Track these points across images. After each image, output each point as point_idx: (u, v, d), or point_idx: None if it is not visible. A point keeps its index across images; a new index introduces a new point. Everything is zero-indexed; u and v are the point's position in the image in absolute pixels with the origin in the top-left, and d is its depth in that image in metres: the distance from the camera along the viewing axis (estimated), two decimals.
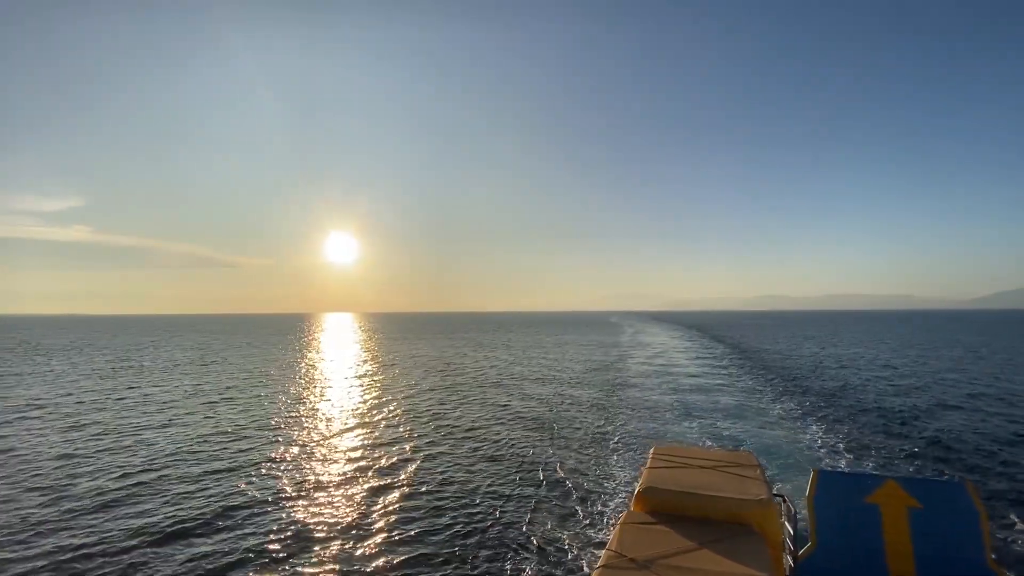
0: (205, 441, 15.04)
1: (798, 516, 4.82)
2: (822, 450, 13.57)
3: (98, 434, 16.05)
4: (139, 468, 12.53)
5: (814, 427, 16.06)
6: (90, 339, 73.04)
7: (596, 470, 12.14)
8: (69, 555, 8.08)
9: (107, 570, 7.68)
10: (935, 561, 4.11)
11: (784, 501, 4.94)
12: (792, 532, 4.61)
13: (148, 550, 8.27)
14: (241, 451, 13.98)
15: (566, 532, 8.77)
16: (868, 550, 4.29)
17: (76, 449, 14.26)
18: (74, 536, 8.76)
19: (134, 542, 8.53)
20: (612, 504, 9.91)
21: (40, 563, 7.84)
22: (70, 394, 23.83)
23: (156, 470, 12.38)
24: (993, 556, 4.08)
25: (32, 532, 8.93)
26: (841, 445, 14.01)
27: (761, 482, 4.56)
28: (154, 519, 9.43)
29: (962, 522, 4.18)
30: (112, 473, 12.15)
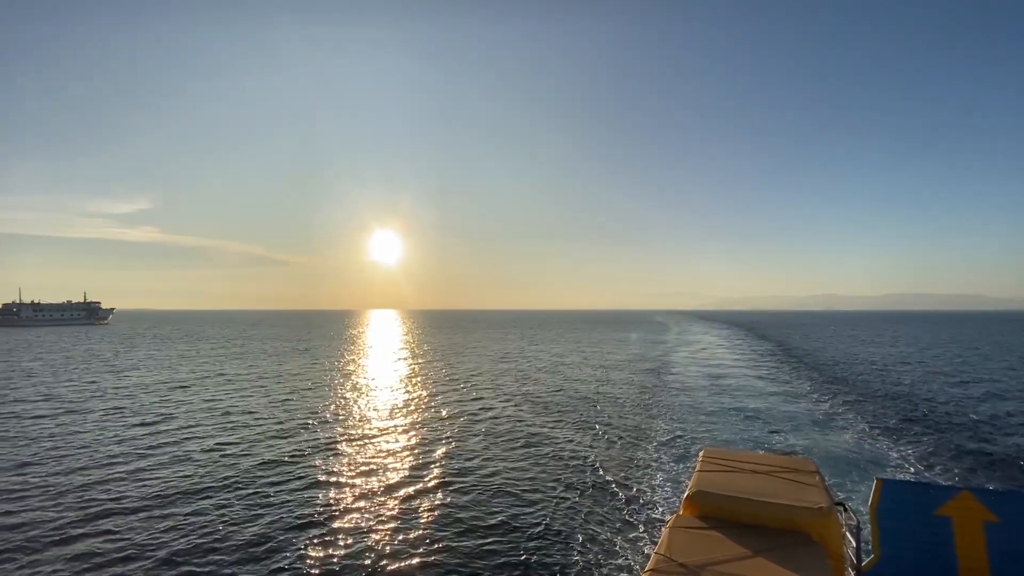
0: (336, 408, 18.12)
1: (861, 527, 4.47)
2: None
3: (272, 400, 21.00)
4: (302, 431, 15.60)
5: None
6: (193, 331, 79.95)
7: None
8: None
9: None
10: None
11: (845, 510, 4.60)
12: (855, 544, 4.28)
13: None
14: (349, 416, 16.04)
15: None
16: (938, 565, 3.90)
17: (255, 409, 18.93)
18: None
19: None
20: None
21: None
22: (260, 368, 28.67)
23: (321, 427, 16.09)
24: None
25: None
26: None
27: (820, 489, 4.27)
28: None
29: None
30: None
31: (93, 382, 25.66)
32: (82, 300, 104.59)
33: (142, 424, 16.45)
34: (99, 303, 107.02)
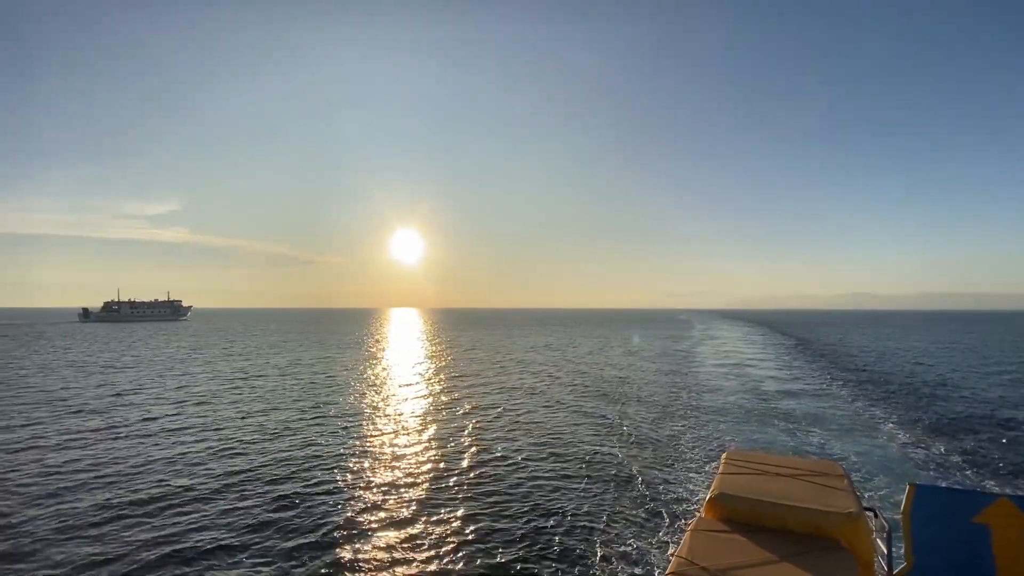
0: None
1: (892, 534, 4.10)
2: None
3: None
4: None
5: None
6: (258, 327, 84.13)
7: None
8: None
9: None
10: None
11: (876, 516, 4.23)
12: (885, 550, 3.93)
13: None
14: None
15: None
16: (976, 575, 3.54)
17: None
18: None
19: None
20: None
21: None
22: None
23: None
24: None
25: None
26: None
27: (849, 494, 3.93)
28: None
29: None
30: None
31: (235, 369, 28.63)
32: (166, 299, 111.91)
33: (287, 393, 20.44)
34: (180, 301, 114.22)
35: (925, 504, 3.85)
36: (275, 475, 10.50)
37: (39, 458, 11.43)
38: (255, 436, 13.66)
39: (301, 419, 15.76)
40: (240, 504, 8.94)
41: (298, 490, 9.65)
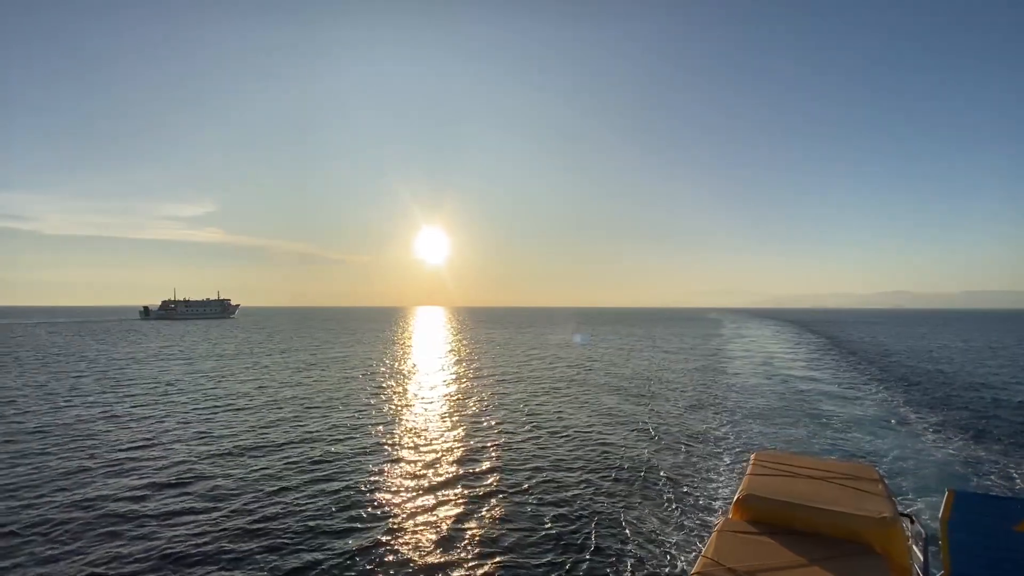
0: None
1: (929, 541, 3.94)
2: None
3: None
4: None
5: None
6: (299, 324, 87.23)
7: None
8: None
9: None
10: None
11: (912, 522, 4.08)
12: (921, 558, 3.78)
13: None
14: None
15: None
16: None
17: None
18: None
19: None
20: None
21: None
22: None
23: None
24: None
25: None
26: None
27: (884, 498, 3.79)
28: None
29: None
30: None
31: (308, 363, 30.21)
32: (216, 298, 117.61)
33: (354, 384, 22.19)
34: (229, 300, 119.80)
35: (964, 511, 3.71)
36: (356, 434, 13.45)
37: (184, 421, 14.88)
38: (339, 406, 16.95)
39: (374, 397, 18.66)
40: (331, 451, 11.95)
41: (369, 447, 12.35)
